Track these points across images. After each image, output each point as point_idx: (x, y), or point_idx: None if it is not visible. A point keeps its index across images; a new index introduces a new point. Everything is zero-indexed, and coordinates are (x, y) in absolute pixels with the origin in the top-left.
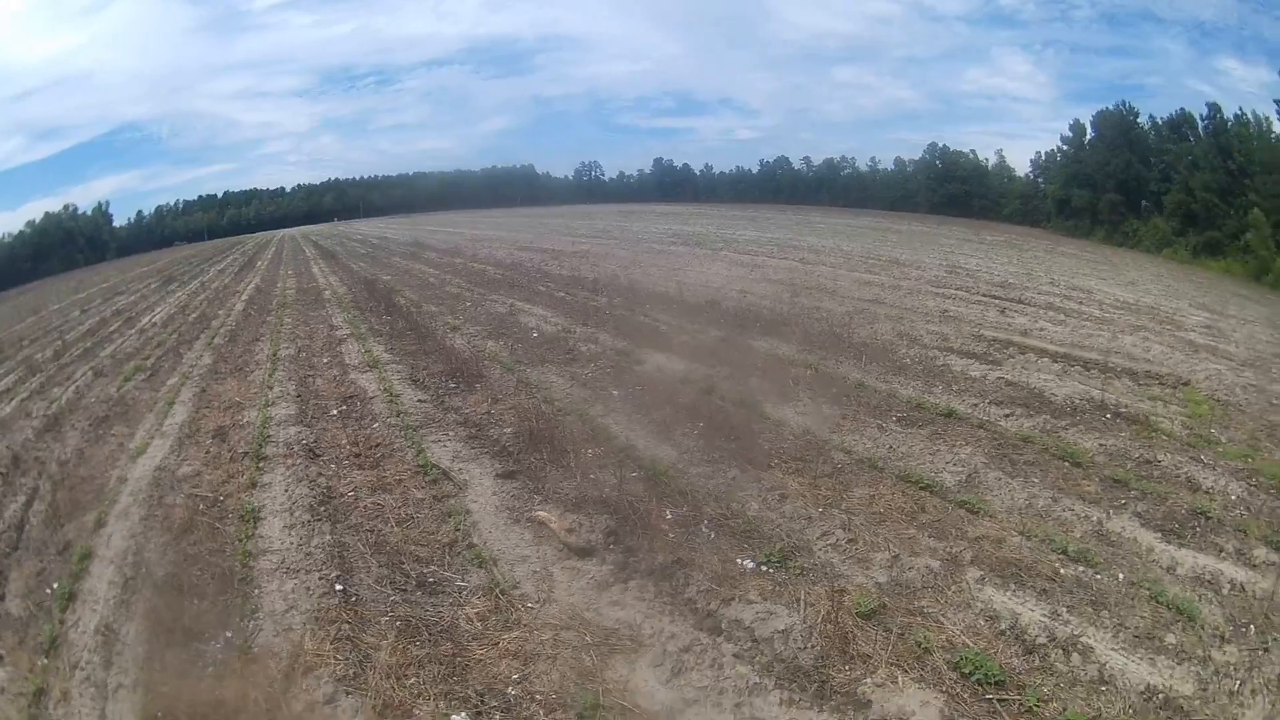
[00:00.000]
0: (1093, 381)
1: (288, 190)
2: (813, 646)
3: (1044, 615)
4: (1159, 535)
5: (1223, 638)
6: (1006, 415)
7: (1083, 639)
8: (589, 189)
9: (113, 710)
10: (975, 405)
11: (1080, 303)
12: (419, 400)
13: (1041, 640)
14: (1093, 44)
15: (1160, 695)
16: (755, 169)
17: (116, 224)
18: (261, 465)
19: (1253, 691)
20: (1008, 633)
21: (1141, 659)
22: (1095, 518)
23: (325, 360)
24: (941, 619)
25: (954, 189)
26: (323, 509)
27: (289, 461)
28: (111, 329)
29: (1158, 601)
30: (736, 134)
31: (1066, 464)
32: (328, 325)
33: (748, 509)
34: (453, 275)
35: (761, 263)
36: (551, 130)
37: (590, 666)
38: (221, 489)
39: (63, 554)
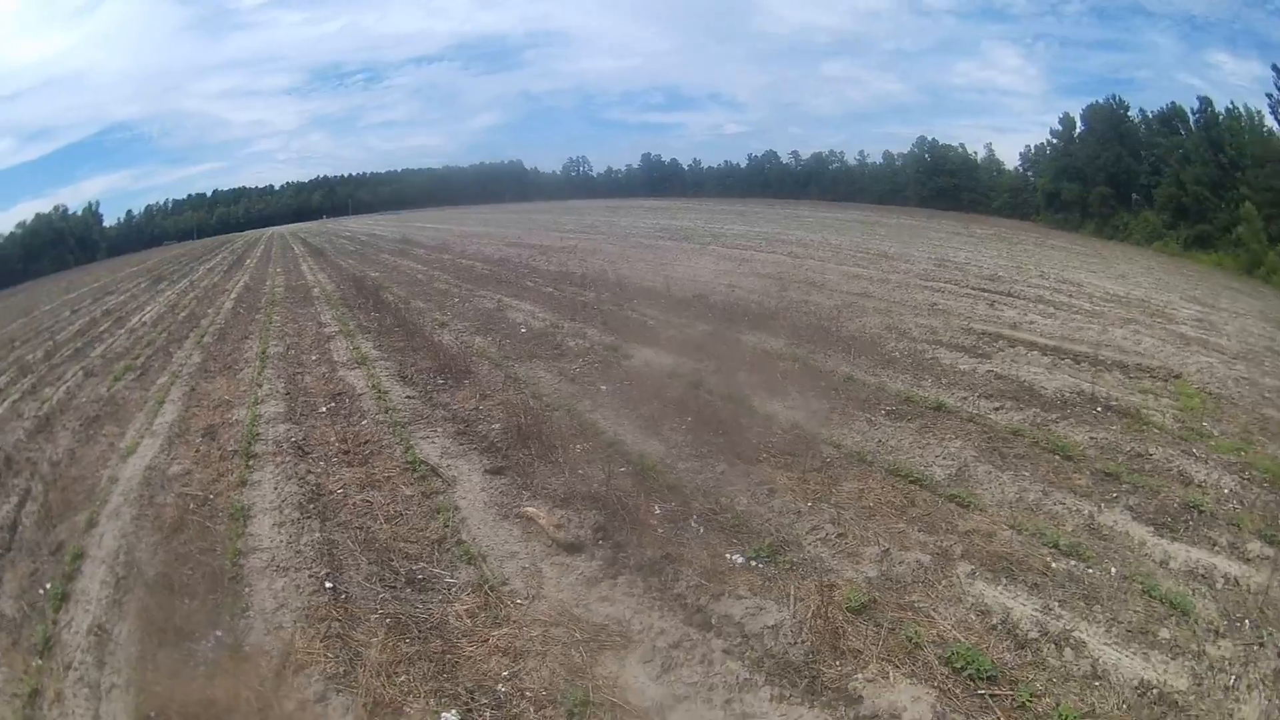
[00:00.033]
0: (1083, 374)
1: (277, 188)
2: (803, 642)
3: (1036, 610)
4: (1151, 529)
5: (1217, 632)
6: (996, 408)
7: (1075, 634)
8: (577, 184)
9: (106, 710)
10: (965, 398)
11: (1070, 296)
12: (407, 397)
13: (1033, 635)
14: (1083, 38)
15: (1154, 690)
16: (743, 163)
17: (106, 224)
18: (251, 463)
19: (1249, 687)
20: (999, 627)
21: (1135, 654)
22: (1087, 511)
23: (314, 358)
24: (932, 614)
25: (943, 182)
26: (312, 506)
27: (278, 459)
28: (102, 329)
29: (1151, 596)
30: (724, 129)
31: (1057, 457)
32: (316, 323)
33: (736, 503)
34: (441, 271)
35: (749, 257)
36: (540, 126)
37: (580, 663)
38: (211, 487)
39: (55, 554)
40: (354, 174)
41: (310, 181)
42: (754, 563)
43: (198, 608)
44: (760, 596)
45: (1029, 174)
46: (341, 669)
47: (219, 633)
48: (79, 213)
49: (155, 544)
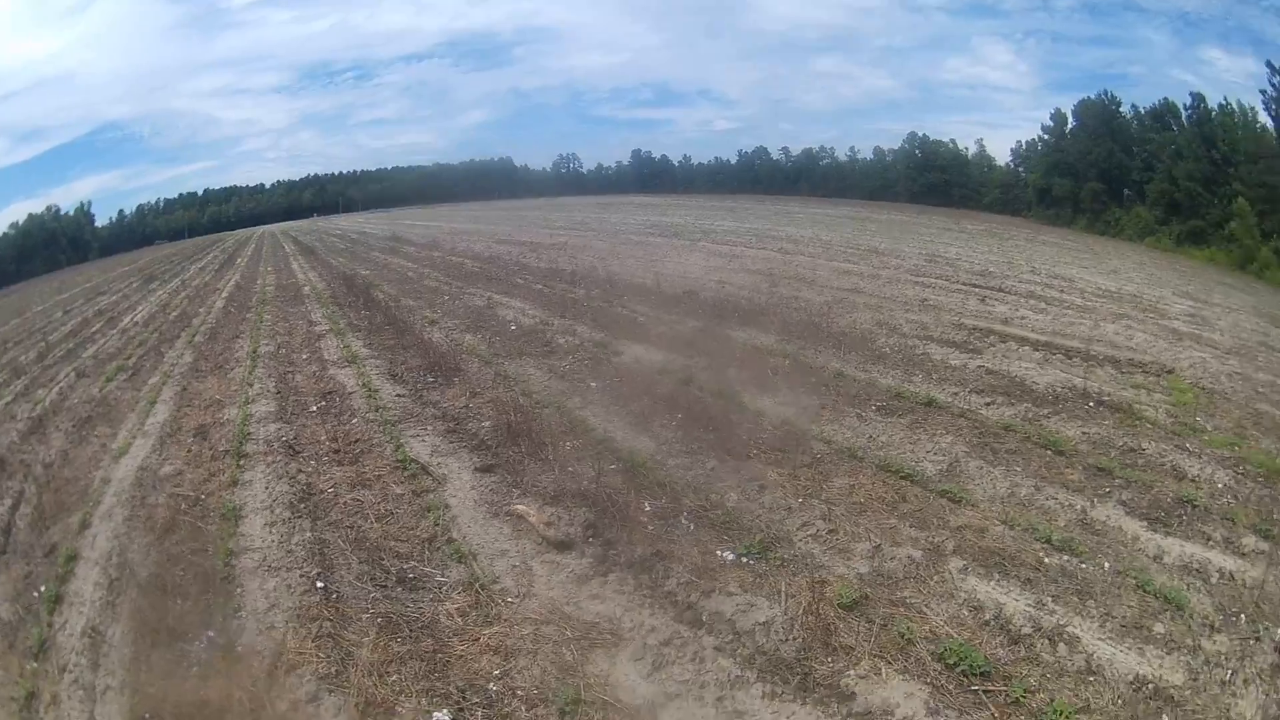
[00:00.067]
0: (1075, 370)
1: (267, 187)
2: (795, 638)
3: (1029, 605)
4: (1145, 524)
5: (1212, 627)
6: (987, 404)
7: (1069, 629)
8: (567, 181)
9: (101, 712)
10: (956, 394)
11: (1062, 291)
12: (397, 395)
13: (1027, 630)
14: (1074, 33)
15: (1150, 685)
16: (734, 159)
17: (98, 224)
18: (242, 463)
19: (1245, 681)
20: (992, 623)
21: (1130, 649)
22: (1079, 506)
23: (304, 356)
24: (925, 610)
25: (934, 178)
26: (303, 506)
27: (269, 459)
28: (94, 329)
29: (1145, 591)
30: (714, 125)
31: (1049, 452)
32: (307, 321)
33: (727, 500)
34: (431, 269)
35: (740, 253)
36: (530, 123)
37: (571, 661)
38: (203, 487)
39: (49, 556)
40: (344, 172)
41: (301, 180)
42: (745, 559)
43: (190, 608)
44: (751, 593)
45: (1020, 170)
46: (333, 669)
47: (211, 633)
48: (71, 213)
49: (148, 545)
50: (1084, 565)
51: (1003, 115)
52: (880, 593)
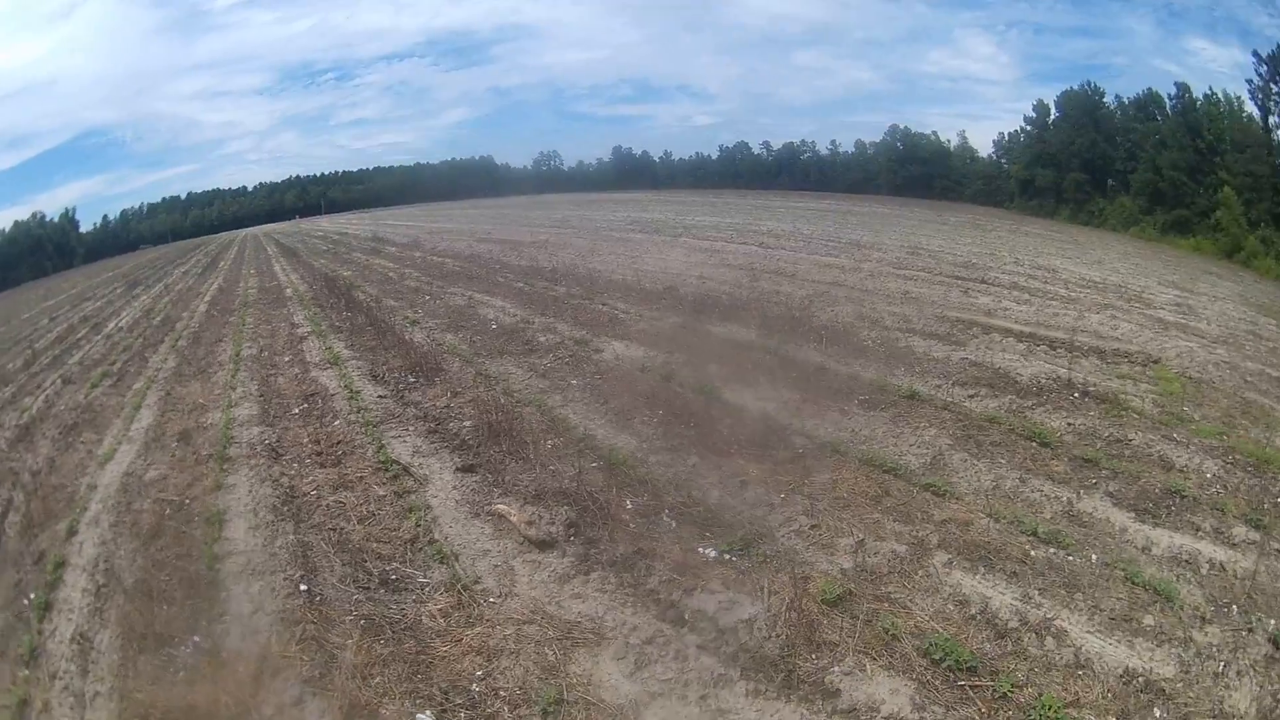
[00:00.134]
0: (1059, 361)
1: (249, 189)
2: (778, 635)
3: (1015, 599)
4: (1132, 515)
5: (1204, 618)
6: (971, 396)
7: (1057, 622)
8: (548, 179)
9: (91, 718)
10: (939, 387)
11: (1045, 282)
12: (379, 396)
13: (1013, 624)
14: (1057, 24)
15: (1140, 678)
16: (714, 155)
17: (83, 229)
18: (225, 467)
19: (1239, 673)
20: (978, 617)
21: (1119, 641)
22: (1065, 498)
23: (287, 359)
24: (909, 605)
25: (915, 170)
26: (286, 509)
27: (252, 462)
28: (79, 335)
29: (1134, 582)
30: (695, 120)
31: (1034, 444)
32: (289, 323)
33: (709, 497)
34: (412, 269)
35: (720, 248)
36: (510, 121)
37: (553, 661)
38: (187, 492)
39: (38, 564)
40: (326, 173)
41: (283, 182)
42: (727, 556)
43: (176, 613)
44: (734, 590)
45: (1003, 161)
46: (317, 672)
47: (197, 638)
48: (56, 219)
49: (133, 551)
50: (1071, 558)
51: (985, 107)
52: (864, 588)
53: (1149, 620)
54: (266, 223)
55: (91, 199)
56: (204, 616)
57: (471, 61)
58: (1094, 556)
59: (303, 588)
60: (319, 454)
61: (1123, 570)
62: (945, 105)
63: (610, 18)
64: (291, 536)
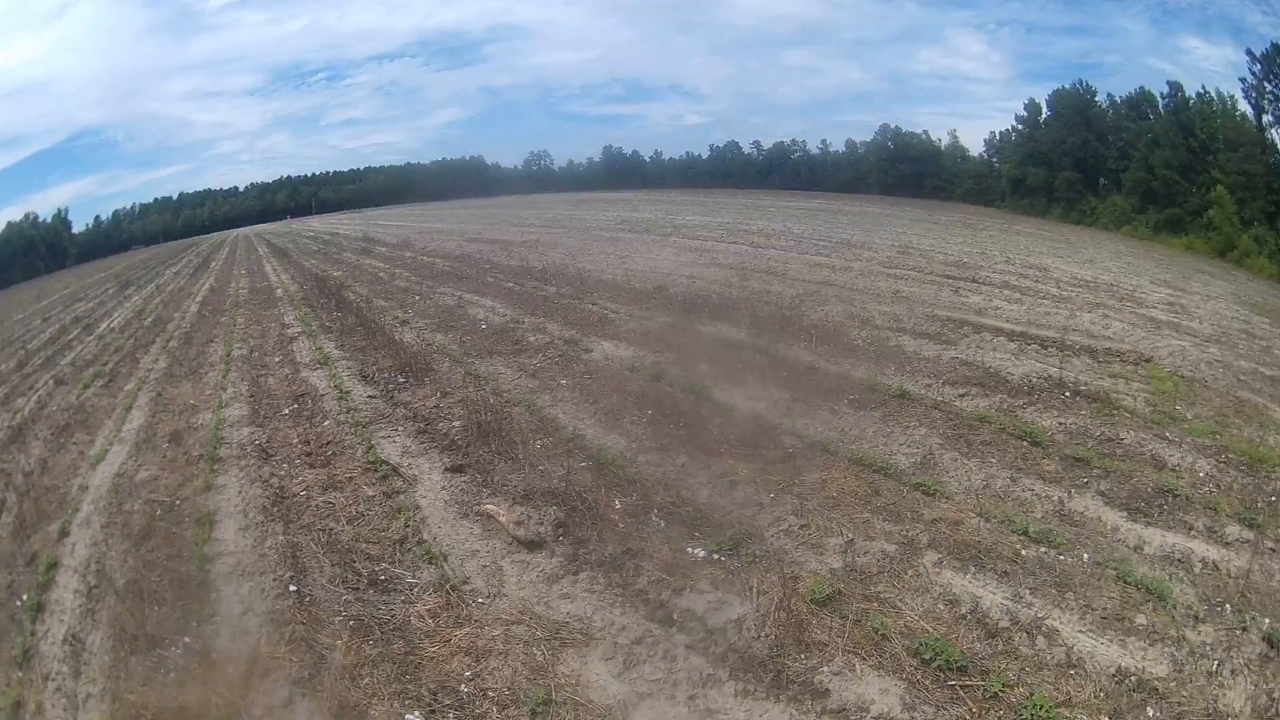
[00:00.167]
0: (1050, 360)
1: (241, 190)
2: (767, 635)
3: (1006, 598)
4: (1124, 514)
5: (1197, 617)
6: (961, 395)
7: (1048, 621)
8: (539, 178)
9: None
10: (929, 386)
11: (1036, 281)
12: (369, 396)
13: (1004, 624)
14: (1049, 23)
15: (1133, 677)
16: (705, 154)
17: (75, 230)
18: (216, 468)
19: (1233, 672)
20: (968, 617)
21: (1111, 641)
22: (1056, 497)
23: (277, 359)
24: (899, 604)
25: (906, 170)
26: (275, 509)
27: (242, 463)
28: (71, 336)
29: (1126, 582)
30: (686, 120)
31: (1025, 443)
32: (279, 324)
33: (698, 496)
34: (402, 269)
35: (710, 247)
36: (501, 121)
37: (542, 661)
38: (178, 493)
39: (30, 565)
40: (317, 173)
41: (274, 182)
42: (716, 556)
43: (167, 614)
44: (723, 590)
45: (994, 160)
46: (307, 673)
47: (188, 639)
48: (49, 220)
49: (125, 552)
50: (1062, 557)
51: (976, 106)
52: (854, 588)
53: (1141, 619)
54: (258, 223)
55: (84, 199)
56: (194, 617)
57: (463, 61)
58: (1085, 556)
59: (292, 588)
60: (309, 454)
61: (1115, 569)
62: (936, 104)
63: (602, 18)
64: (281, 537)
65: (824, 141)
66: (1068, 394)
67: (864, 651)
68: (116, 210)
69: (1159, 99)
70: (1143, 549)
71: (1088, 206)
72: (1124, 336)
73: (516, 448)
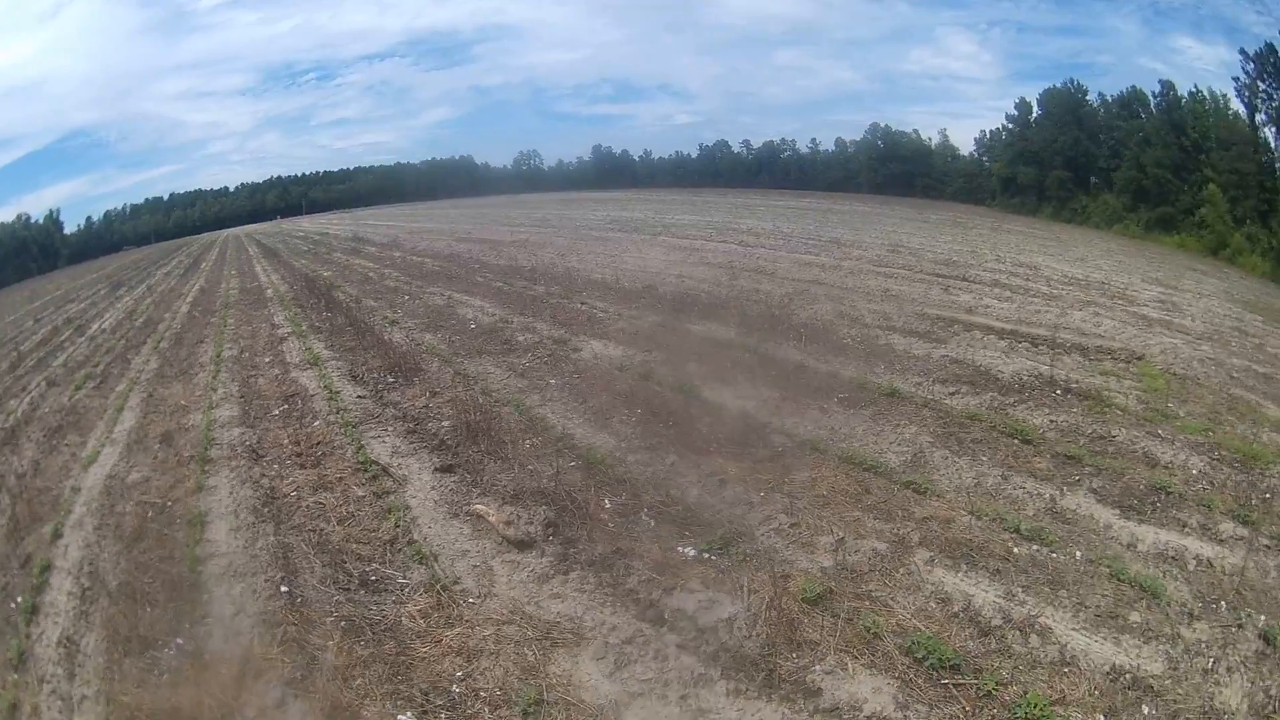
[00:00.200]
0: (1041, 358)
1: (232, 190)
2: (758, 635)
3: (998, 596)
4: (1117, 512)
5: (1192, 615)
6: (952, 393)
7: (1041, 619)
8: (528, 178)
9: None
10: (919, 384)
11: (1027, 279)
12: (358, 396)
13: (997, 622)
14: (1040, 23)
15: (1128, 675)
16: (695, 154)
17: (67, 231)
18: (207, 469)
19: (1229, 669)
20: (961, 615)
21: (1105, 638)
22: (1048, 495)
23: (267, 359)
24: (891, 603)
25: (896, 169)
26: (266, 510)
27: (233, 463)
28: (63, 337)
29: (1119, 579)
30: (675, 119)
31: (1016, 441)
32: (269, 324)
33: (687, 496)
34: (392, 269)
35: (700, 247)
36: (491, 120)
37: (533, 661)
38: (169, 494)
39: (24, 567)
40: (308, 173)
41: (265, 182)
42: (706, 555)
43: (159, 616)
44: (713, 589)
45: (984, 159)
46: (299, 674)
47: (180, 640)
48: (41, 221)
49: (117, 553)
50: (1055, 555)
51: (966, 105)
52: (845, 586)
53: (1135, 617)
54: (249, 223)
55: (76, 200)
56: (187, 619)
57: (453, 61)
58: (1078, 553)
59: (283, 589)
60: (299, 455)
61: (1108, 567)
62: (927, 104)
63: (592, 18)
64: (272, 538)
65: (814, 141)
66: (1059, 392)
67: (856, 650)
68: (108, 211)
69: (1151, 98)
70: (1136, 546)
71: (1079, 205)
72: (1115, 334)
73: (506, 447)
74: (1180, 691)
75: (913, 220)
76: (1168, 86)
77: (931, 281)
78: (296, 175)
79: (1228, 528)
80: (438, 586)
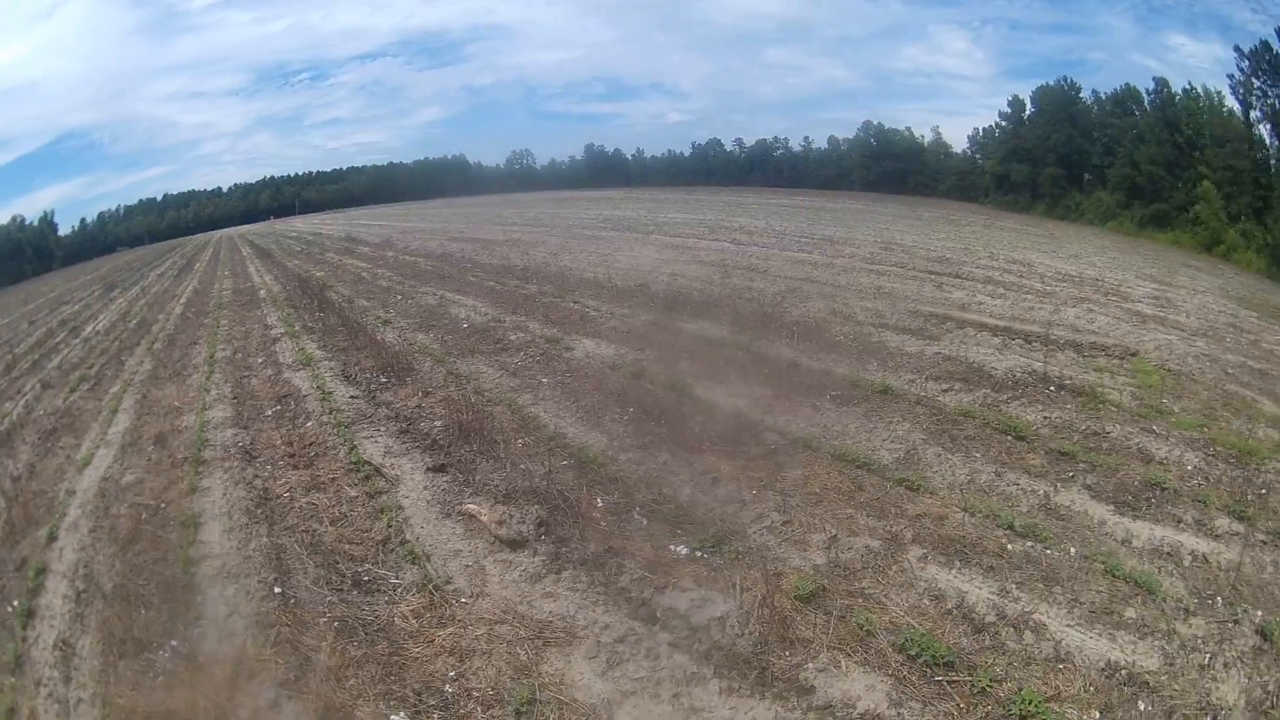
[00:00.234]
0: (1035, 354)
1: (224, 191)
2: (751, 633)
3: (992, 593)
4: (1111, 508)
5: (1188, 611)
6: (945, 390)
7: (1035, 616)
8: (521, 177)
9: None
10: (912, 381)
11: (1020, 276)
12: (351, 397)
13: (991, 619)
14: (1033, 20)
15: (1123, 671)
16: (687, 152)
17: (61, 232)
18: (200, 470)
19: (1225, 665)
20: (954, 612)
21: (1100, 634)
22: (1042, 491)
23: (260, 360)
24: (884, 600)
25: (889, 166)
26: (259, 511)
27: (226, 465)
28: (58, 339)
29: (1114, 575)
30: (668, 118)
31: (1009, 438)
32: (263, 325)
33: (680, 494)
34: (384, 269)
35: (692, 245)
36: (483, 120)
37: (525, 661)
38: (163, 496)
39: (20, 570)
40: (300, 174)
41: (258, 182)
42: (698, 553)
43: (154, 618)
44: (706, 588)
45: (977, 157)
46: (292, 675)
47: (174, 642)
48: (35, 223)
49: (112, 556)
50: (1049, 551)
51: (959, 103)
52: (838, 584)
53: (1131, 613)
54: (242, 224)
55: (69, 202)
56: (181, 620)
57: (445, 61)
58: (1073, 550)
59: (277, 590)
60: (292, 456)
61: (1102, 563)
62: (920, 101)
63: (584, 17)
64: (265, 539)
65: (806, 139)
66: (1052, 388)
67: (849, 648)
68: (102, 212)
69: (1144, 95)
70: (1131, 542)
71: (1072, 202)
72: (1109, 331)
73: (498, 447)
74: (1176, 687)
75: (905, 218)
76: (1161, 83)
77: (924, 279)
78: (289, 175)
79: (1223, 523)
80: (430, 586)
